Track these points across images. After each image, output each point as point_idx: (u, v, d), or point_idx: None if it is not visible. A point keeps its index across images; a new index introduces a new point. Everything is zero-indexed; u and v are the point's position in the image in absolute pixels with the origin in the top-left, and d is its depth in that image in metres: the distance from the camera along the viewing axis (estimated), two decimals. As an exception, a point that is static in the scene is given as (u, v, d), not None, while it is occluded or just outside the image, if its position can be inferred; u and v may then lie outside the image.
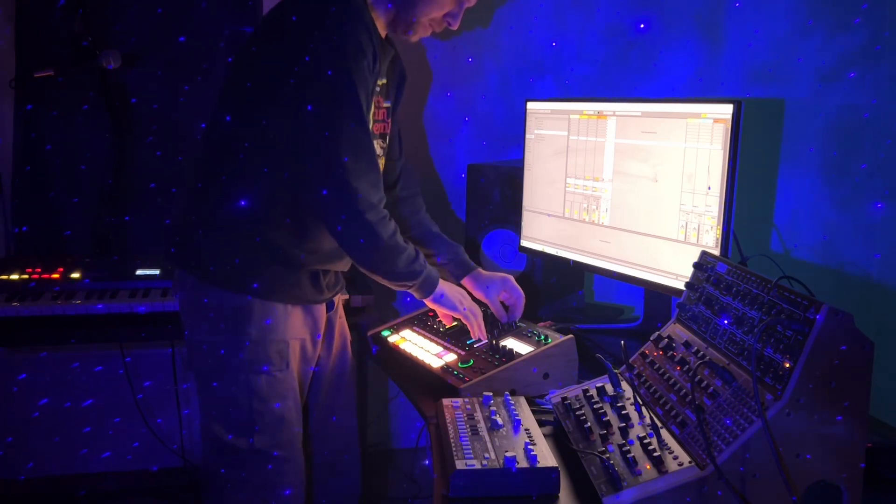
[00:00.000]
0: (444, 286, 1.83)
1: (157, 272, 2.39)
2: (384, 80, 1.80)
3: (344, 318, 2.03)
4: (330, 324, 1.94)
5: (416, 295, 1.80)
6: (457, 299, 1.84)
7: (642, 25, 2.60)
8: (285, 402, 1.74)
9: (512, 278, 1.97)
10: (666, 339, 1.47)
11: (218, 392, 1.71)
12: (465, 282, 1.98)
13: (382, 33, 1.74)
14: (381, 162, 1.85)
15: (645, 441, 1.22)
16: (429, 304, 1.84)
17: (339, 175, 1.56)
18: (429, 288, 1.79)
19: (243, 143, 1.65)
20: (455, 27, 1.77)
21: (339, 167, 1.56)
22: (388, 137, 1.88)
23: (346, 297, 2.22)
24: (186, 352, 1.79)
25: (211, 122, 1.75)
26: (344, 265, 1.85)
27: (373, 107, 1.70)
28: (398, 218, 2.01)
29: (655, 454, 1.19)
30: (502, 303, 1.94)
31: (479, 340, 1.83)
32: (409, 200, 2.05)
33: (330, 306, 1.92)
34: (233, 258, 1.68)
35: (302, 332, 1.80)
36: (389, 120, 1.87)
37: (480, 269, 2.00)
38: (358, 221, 1.60)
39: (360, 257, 1.69)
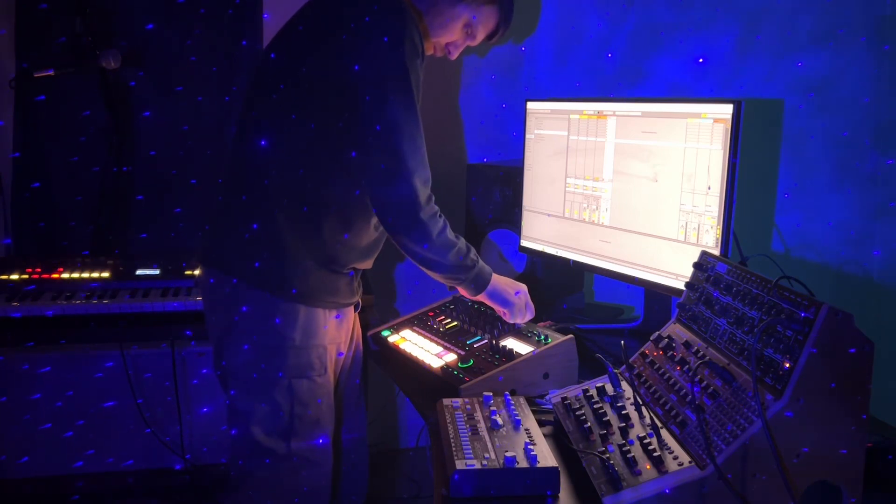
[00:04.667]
0: (496, 280, 1.84)
1: (157, 272, 2.39)
2: None
3: (357, 319, 2.03)
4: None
5: (467, 292, 1.83)
6: (507, 293, 1.85)
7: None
8: (321, 407, 1.76)
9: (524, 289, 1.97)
10: (666, 339, 1.47)
11: (258, 396, 1.71)
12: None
13: None
14: None
15: (645, 441, 1.22)
16: (482, 300, 1.86)
17: (398, 173, 1.60)
18: (480, 285, 1.81)
19: (291, 143, 1.66)
20: (453, 58, 1.90)
21: (398, 165, 1.60)
22: None
23: None
24: (216, 354, 1.77)
25: (246, 123, 1.74)
26: (370, 263, 1.87)
27: None
28: None
29: (655, 454, 1.19)
30: None
31: (480, 340, 1.83)
32: None
33: (356, 308, 1.94)
34: (279, 261, 1.68)
35: (337, 337, 1.82)
36: None
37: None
38: (411, 219, 1.64)
39: (411, 251, 1.72)
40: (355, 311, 1.95)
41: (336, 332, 1.81)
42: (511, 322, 1.87)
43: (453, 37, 1.83)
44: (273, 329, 1.69)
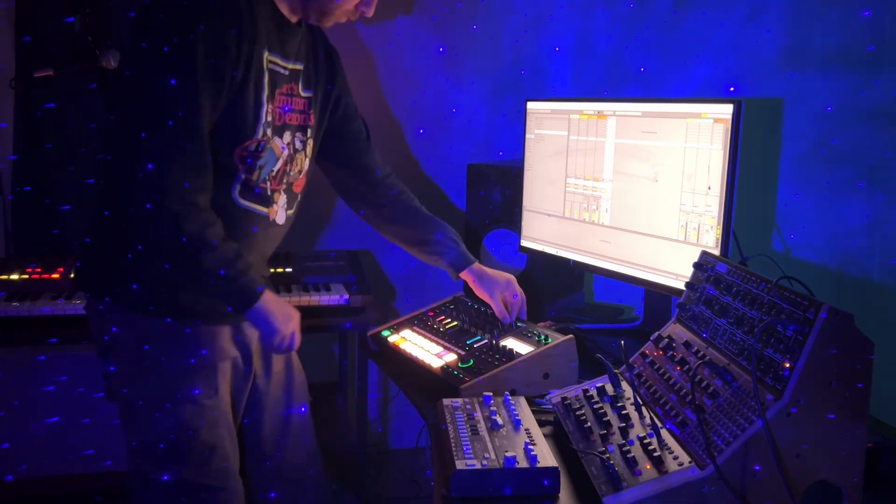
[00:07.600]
0: (270, 302, 1.58)
1: (157, 272, 2.39)
2: (298, 66, 1.67)
3: None
4: None
5: (230, 306, 1.56)
6: (280, 321, 1.60)
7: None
8: (215, 430, 1.63)
9: (514, 279, 1.96)
10: (666, 339, 1.47)
11: (143, 424, 1.59)
12: (465, 275, 1.95)
13: (291, 17, 1.63)
14: (304, 158, 1.74)
15: (645, 441, 1.22)
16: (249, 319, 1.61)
17: (144, 163, 1.41)
18: (245, 300, 1.54)
19: (112, 139, 1.54)
20: (370, 14, 1.67)
21: (145, 158, 1.42)
22: (311, 130, 1.74)
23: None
24: (105, 381, 1.65)
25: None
26: (264, 267, 1.75)
27: (276, 97, 1.60)
28: (394, 198, 1.96)
29: (655, 454, 1.19)
30: (503, 302, 1.93)
31: (480, 340, 1.83)
32: (392, 178, 1.98)
33: None
34: (145, 278, 1.54)
35: (232, 352, 1.69)
36: (312, 112, 1.74)
37: (481, 266, 1.97)
38: (157, 208, 1.43)
39: (158, 252, 1.50)
40: None
41: (230, 345, 1.68)
42: (272, 350, 1.67)
43: None
44: (147, 351, 1.55)
